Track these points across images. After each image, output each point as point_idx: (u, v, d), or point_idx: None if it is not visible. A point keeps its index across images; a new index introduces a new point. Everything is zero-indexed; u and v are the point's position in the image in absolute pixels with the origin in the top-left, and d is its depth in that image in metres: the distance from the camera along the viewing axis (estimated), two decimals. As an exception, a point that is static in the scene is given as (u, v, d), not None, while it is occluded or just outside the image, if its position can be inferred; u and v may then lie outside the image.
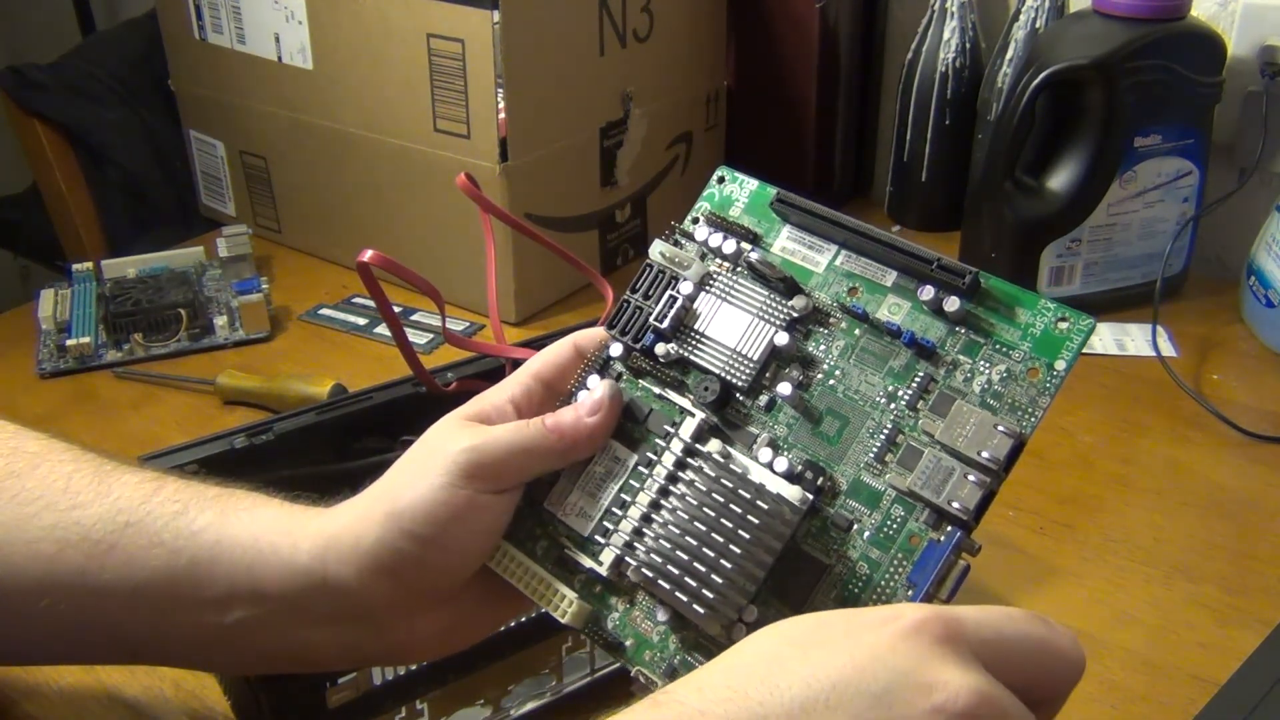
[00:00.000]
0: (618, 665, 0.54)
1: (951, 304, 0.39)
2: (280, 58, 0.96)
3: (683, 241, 0.44)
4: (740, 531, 0.38)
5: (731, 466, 0.39)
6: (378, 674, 0.47)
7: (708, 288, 0.43)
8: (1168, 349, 0.87)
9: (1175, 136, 0.88)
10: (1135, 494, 0.72)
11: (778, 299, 0.42)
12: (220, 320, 0.91)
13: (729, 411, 0.41)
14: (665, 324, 0.42)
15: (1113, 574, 0.64)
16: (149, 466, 0.45)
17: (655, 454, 0.40)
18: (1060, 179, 0.89)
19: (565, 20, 0.89)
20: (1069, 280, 0.91)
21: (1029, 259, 0.90)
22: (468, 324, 0.91)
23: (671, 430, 0.40)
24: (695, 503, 0.38)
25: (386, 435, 0.59)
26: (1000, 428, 0.37)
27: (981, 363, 0.38)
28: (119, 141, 1.28)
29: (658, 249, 0.43)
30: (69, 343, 0.87)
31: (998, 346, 0.38)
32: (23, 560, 0.41)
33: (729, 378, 0.41)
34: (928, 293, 0.39)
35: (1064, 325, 0.38)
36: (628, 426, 0.42)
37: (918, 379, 0.39)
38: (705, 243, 0.43)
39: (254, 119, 1.02)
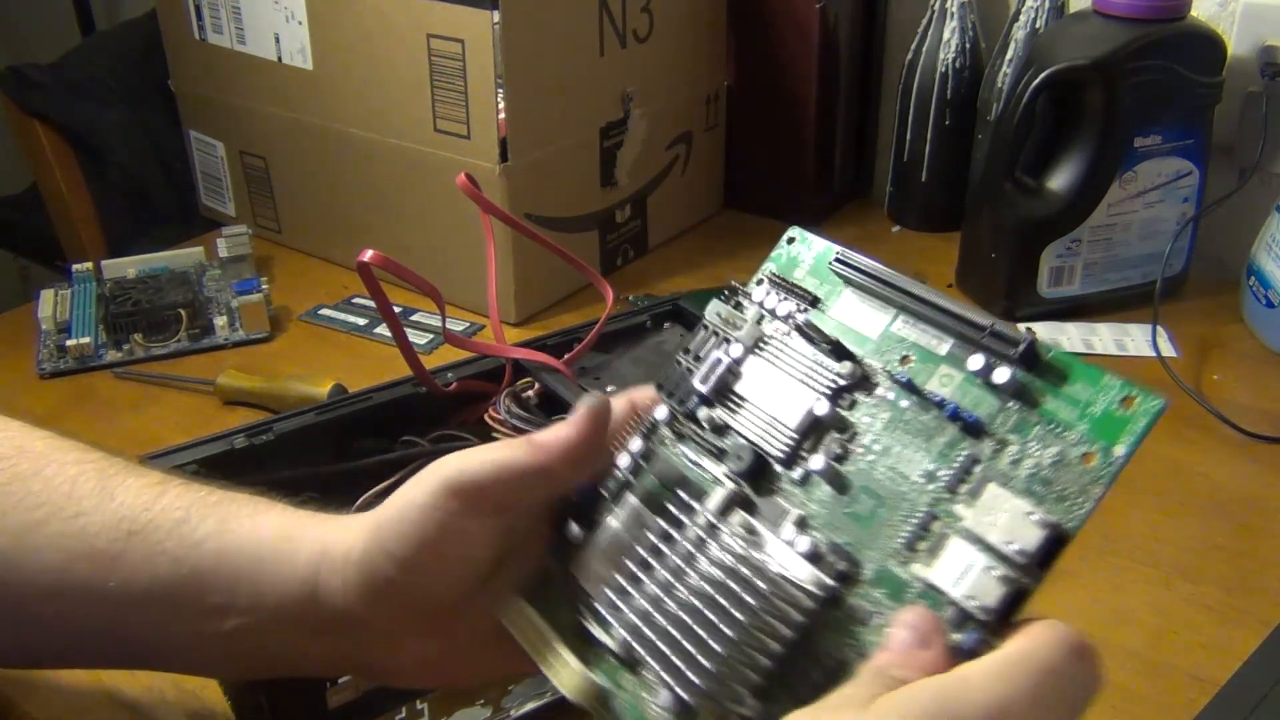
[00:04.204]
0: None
1: (1001, 375, 0.35)
2: (280, 58, 0.96)
3: (743, 303, 0.43)
4: (750, 616, 0.35)
5: (751, 547, 0.37)
6: (378, 674, 0.47)
7: (758, 350, 0.41)
8: (1168, 349, 0.87)
9: (1175, 137, 0.88)
10: (1135, 494, 0.72)
11: (825, 365, 0.39)
12: (220, 320, 0.91)
13: (762, 481, 0.39)
14: (708, 388, 0.41)
15: (1112, 574, 0.64)
16: (153, 467, 0.45)
17: (679, 526, 0.39)
18: (1060, 179, 0.89)
19: (565, 20, 0.89)
20: (1069, 280, 0.91)
21: (1029, 259, 0.90)
22: (468, 324, 0.91)
23: (697, 502, 0.39)
24: (709, 581, 0.37)
25: (386, 435, 0.59)
26: (1035, 517, 0.33)
27: (1032, 443, 0.34)
28: (119, 141, 1.28)
29: (714, 310, 0.42)
30: (69, 343, 0.87)
31: (1051, 425, 0.34)
32: (31, 569, 0.41)
33: (765, 446, 0.39)
34: (977, 362, 0.36)
35: (1129, 405, 0.34)
36: (658, 492, 0.40)
37: (960, 459, 0.35)
38: (762, 304, 0.42)
39: (254, 119, 1.02)
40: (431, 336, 0.89)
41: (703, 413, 0.41)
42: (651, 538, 0.39)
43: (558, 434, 0.40)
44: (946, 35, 1.01)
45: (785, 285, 0.42)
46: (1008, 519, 0.33)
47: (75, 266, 0.96)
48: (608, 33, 0.92)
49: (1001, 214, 0.90)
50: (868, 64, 1.12)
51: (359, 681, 0.46)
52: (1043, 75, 0.84)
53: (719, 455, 0.40)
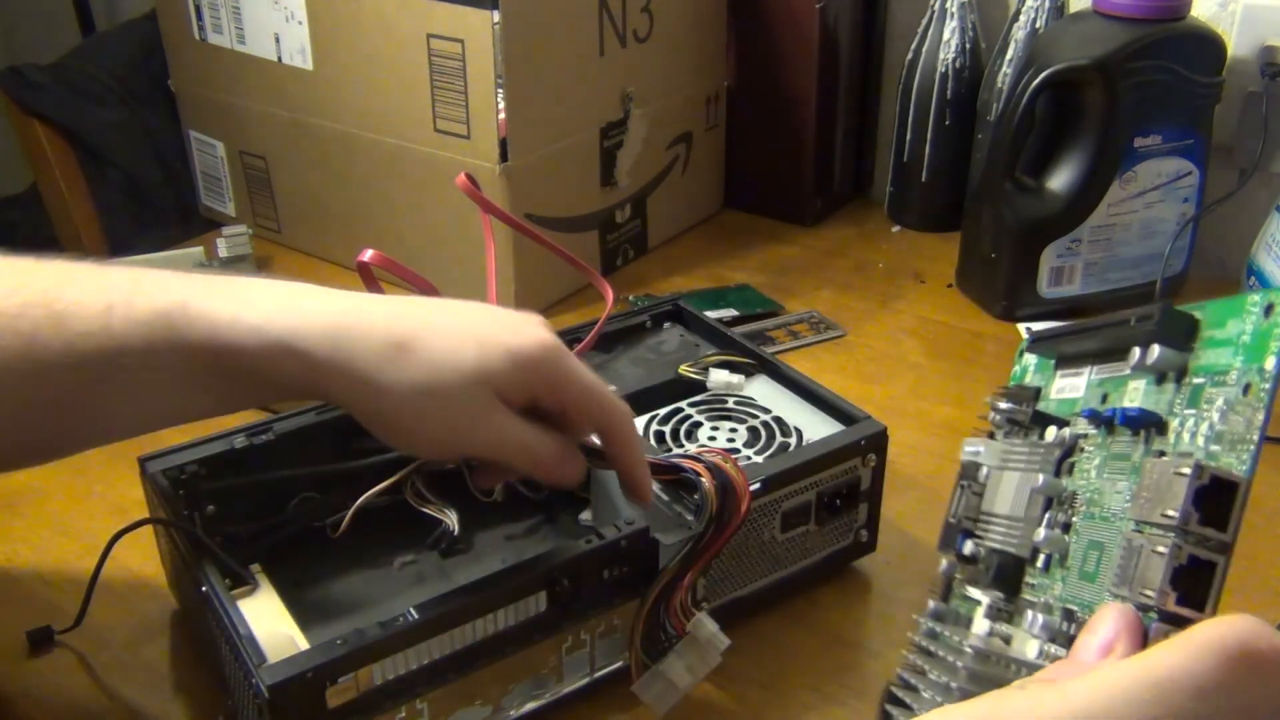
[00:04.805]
0: (618, 665, 0.54)
1: (1153, 354, 0.33)
2: (280, 58, 0.97)
3: (990, 430, 0.43)
4: None
5: (1003, 652, 0.35)
6: (378, 674, 0.47)
7: (1003, 463, 0.40)
8: (1168, 349, 0.87)
9: (1175, 137, 0.88)
10: (1135, 494, 0.71)
11: (1037, 443, 0.39)
12: (220, 320, 0.91)
13: (1014, 578, 0.38)
14: (959, 520, 0.41)
15: (1113, 574, 0.64)
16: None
17: (959, 657, 0.37)
18: (1060, 179, 0.89)
19: (565, 20, 0.89)
20: (1069, 280, 0.91)
21: (1029, 259, 0.90)
22: (468, 324, 0.91)
23: (964, 629, 0.38)
24: (964, 690, 0.35)
25: (387, 435, 0.59)
26: (1179, 471, 0.30)
27: (1205, 405, 0.32)
28: (119, 141, 1.28)
29: (966, 448, 0.42)
30: (69, 343, 0.86)
31: (1214, 379, 0.32)
32: None
33: (1005, 548, 0.38)
34: (1134, 356, 0.34)
35: (1272, 313, 0.30)
36: (930, 641, 0.39)
37: (1149, 462, 0.33)
38: (996, 421, 0.42)
39: (254, 119, 1.02)
40: (431, 336, 0.89)
41: (967, 548, 0.41)
42: (937, 683, 0.37)
43: (568, 473, 0.49)
44: (946, 35, 1.02)
45: (1014, 394, 0.42)
46: (1164, 489, 0.31)
47: (75, 266, 0.96)
48: (608, 33, 0.92)
49: (1001, 214, 0.90)
50: (868, 64, 1.12)
51: (359, 680, 0.46)
52: (1043, 75, 0.84)
53: (976, 579, 0.39)
